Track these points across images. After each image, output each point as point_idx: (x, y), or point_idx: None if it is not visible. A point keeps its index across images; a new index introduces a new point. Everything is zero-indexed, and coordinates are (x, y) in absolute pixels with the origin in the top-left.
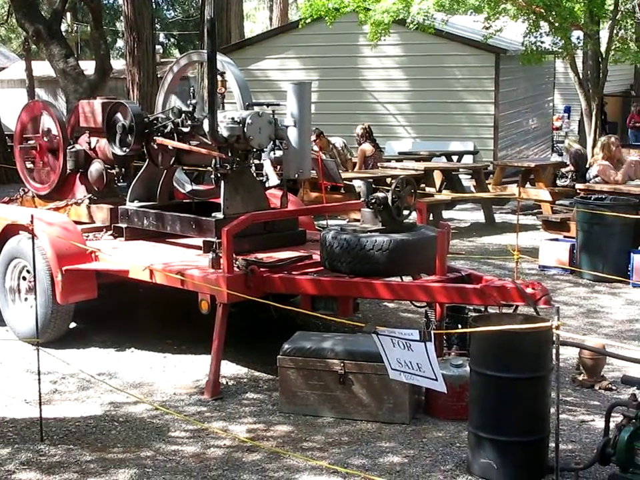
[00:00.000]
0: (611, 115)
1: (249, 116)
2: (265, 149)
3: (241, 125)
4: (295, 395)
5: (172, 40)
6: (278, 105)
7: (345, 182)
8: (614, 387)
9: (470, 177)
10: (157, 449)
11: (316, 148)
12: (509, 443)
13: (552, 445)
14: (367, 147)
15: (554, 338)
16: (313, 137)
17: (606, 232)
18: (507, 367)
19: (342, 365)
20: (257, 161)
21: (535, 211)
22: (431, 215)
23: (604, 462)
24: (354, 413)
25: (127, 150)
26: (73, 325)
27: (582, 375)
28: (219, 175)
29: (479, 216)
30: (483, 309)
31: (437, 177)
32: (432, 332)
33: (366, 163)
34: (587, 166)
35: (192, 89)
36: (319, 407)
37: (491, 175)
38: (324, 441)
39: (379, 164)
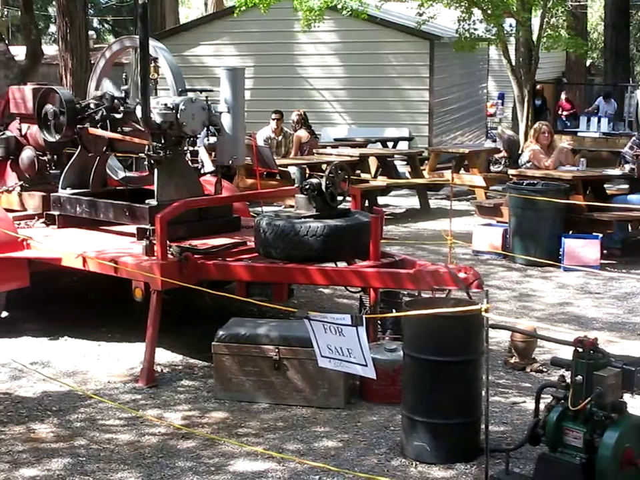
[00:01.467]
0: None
1: (182, 102)
2: (198, 136)
3: (174, 111)
4: (230, 382)
5: (106, 25)
6: (211, 90)
7: (280, 168)
8: (545, 369)
9: (405, 163)
10: (91, 438)
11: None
12: (441, 426)
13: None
14: (303, 134)
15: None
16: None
17: (538, 217)
18: (439, 351)
19: (277, 350)
20: (192, 148)
21: (469, 196)
22: (367, 201)
23: (534, 442)
24: (289, 398)
25: (59, 137)
26: (4, 314)
27: (513, 357)
28: (152, 161)
29: (414, 202)
30: (416, 294)
31: (372, 163)
32: (363, 316)
33: (301, 150)
34: (519, 152)
35: (124, 74)
36: (254, 393)
37: (426, 161)
38: (259, 426)
39: (314, 150)
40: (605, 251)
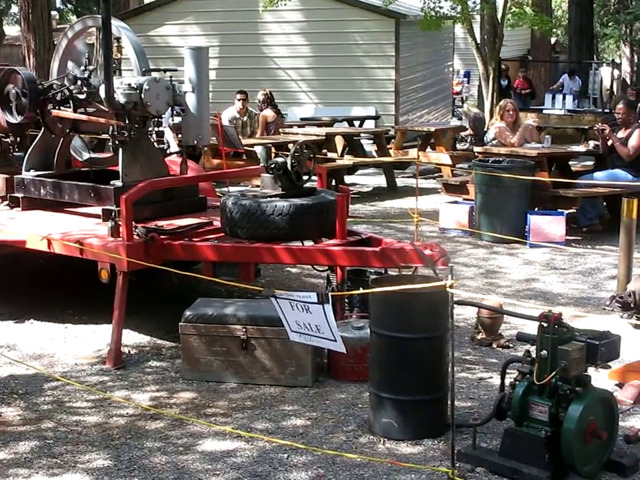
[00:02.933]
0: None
1: (146, 82)
2: (163, 116)
3: (138, 91)
4: (198, 362)
5: (69, 6)
6: (175, 70)
7: (246, 148)
8: (511, 345)
9: (372, 141)
10: (59, 420)
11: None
12: (408, 402)
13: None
14: (269, 113)
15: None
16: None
17: (503, 194)
18: (405, 328)
19: (244, 330)
20: (157, 128)
21: (436, 174)
22: (333, 180)
23: (500, 417)
24: (257, 377)
25: (21, 118)
26: None
27: (480, 333)
28: (116, 142)
29: (380, 180)
30: (383, 272)
31: (339, 142)
32: (329, 294)
33: (267, 129)
34: (485, 129)
35: (86, 54)
36: (222, 372)
37: (393, 140)
38: (227, 406)
39: (280, 130)
40: (584, 229)
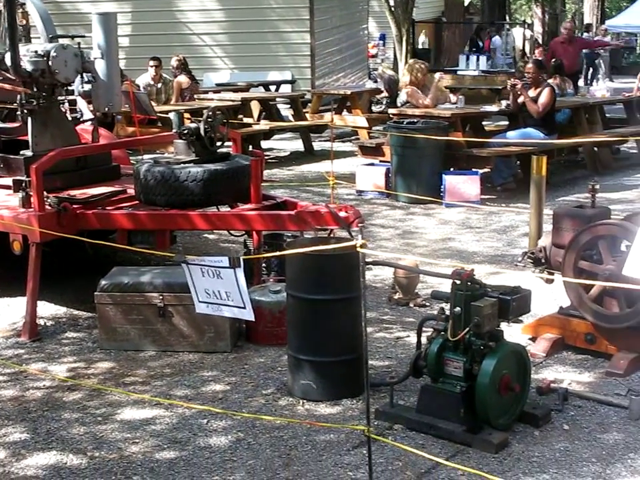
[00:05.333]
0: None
1: (54, 49)
2: (72, 83)
3: (45, 59)
4: (115, 331)
5: None
6: (83, 36)
7: (161, 115)
8: (427, 304)
9: (288, 106)
10: None
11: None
12: (326, 364)
13: (370, 362)
14: (183, 79)
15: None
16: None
17: (418, 155)
18: (320, 289)
19: (161, 297)
20: (70, 97)
21: (353, 137)
22: (250, 145)
23: (417, 374)
24: (176, 344)
25: None
26: None
27: (397, 293)
28: (25, 111)
29: (298, 145)
30: (299, 234)
31: (255, 107)
32: (241, 258)
33: (182, 96)
34: (399, 91)
35: None
36: (140, 341)
37: (309, 104)
38: (146, 374)
39: (195, 96)
40: (498, 187)
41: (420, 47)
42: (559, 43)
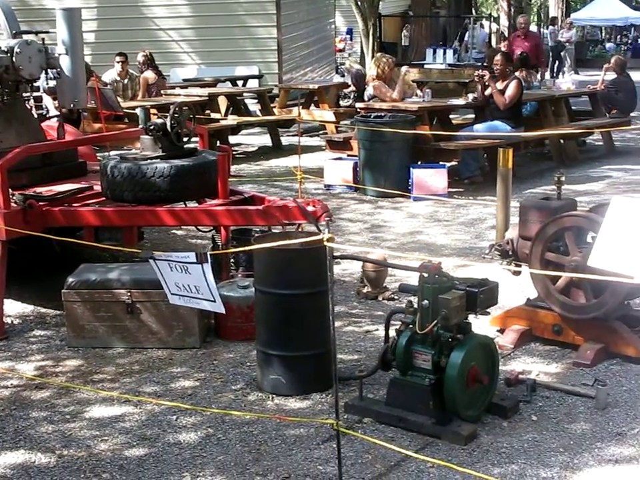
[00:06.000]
0: (390, 35)
1: (17, 44)
2: (37, 79)
3: (9, 55)
4: (83, 329)
5: None
6: (47, 32)
7: (127, 111)
8: (396, 297)
9: (256, 101)
10: None
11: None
12: (295, 358)
13: (339, 356)
14: (149, 75)
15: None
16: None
17: (386, 149)
18: (288, 284)
19: (129, 294)
20: (35, 93)
21: (321, 132)
22: (218, 141)
23: (386, 368)
24: (144, 341)
25: None
26: None
27: (366, 287)
28: None
29: (266, 140)
30: (267, 230)
31: (222, 102)
32: (208, 253)
33: (149, 91)
34: (366, 85)
35: None
36: (109, 338)
37: (277, 99)
38: (115, 371)
39: (162, 91)
40: (466, 180)
41: (404, 43)
42: (516, 36)
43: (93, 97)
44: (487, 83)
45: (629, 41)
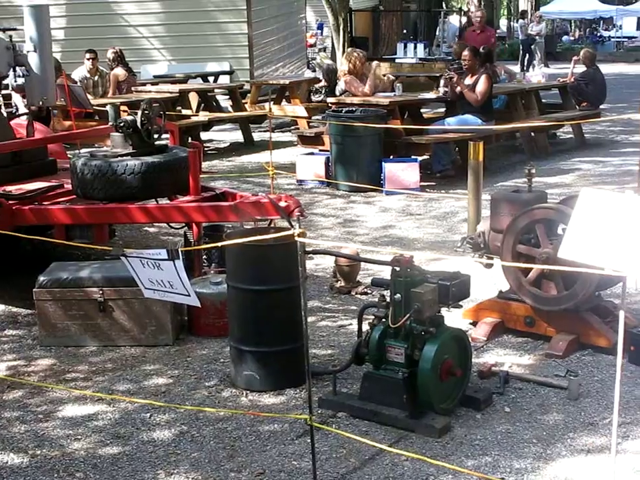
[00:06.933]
0: (362, 30)
1: None
2: (5, 77)
3: None
4: (55, 327)
5: None
6: (15, 29)
7: (97, 108)
8: (369, 291)
9: (227, 97)
10: None
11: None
12: (268, 353)
13: (313, 351)
14: (120, 72)
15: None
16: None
17: (358, 143)
18: (260, 280)
19: (101, 292)
20: (4, 91)
21: (293, 127)
22: (189, 137)
23: (359, 362)
24: (117, 339)
25: None
26: None
27: (339, 282)
28: None
29: (237, 136)
30: (239, 225)
31: (193, 98)
32: (179, 249)
33: (119, 88)
34: (337, 80)
35: None
36: (81, 337)
37: (248, 94)
38: (88, 370)
39: (133, 88)
40: (438, 174)
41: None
42: (471, 31)
43: (62, 95)
44: (455, 85)
45: (598, 34)
